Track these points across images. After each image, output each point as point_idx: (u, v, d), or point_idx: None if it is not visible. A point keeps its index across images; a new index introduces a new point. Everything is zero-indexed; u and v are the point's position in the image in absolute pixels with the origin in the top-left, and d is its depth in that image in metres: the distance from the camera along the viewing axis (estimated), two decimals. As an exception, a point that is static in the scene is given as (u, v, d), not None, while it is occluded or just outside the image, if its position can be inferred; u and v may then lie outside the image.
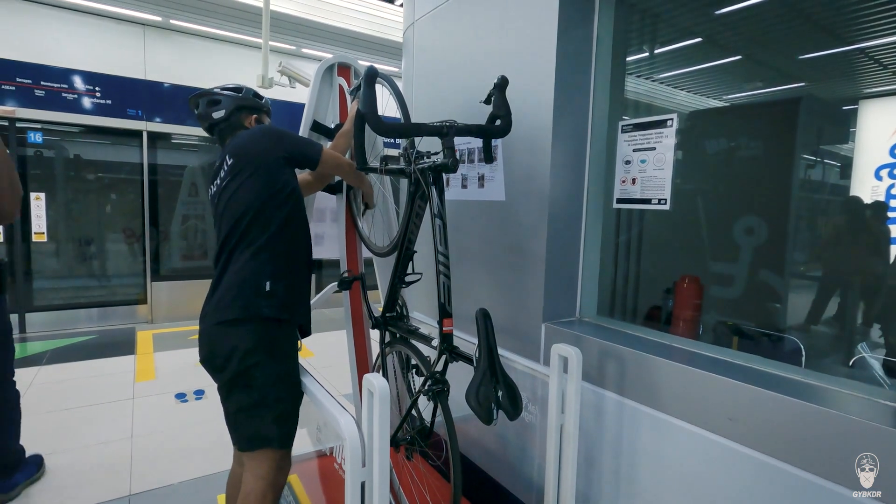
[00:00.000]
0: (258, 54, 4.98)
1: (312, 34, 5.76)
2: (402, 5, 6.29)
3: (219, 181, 1.63)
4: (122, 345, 4.82)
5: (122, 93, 5.32)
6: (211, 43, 5.83)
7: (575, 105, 1.79)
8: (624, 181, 1.76)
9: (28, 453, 2.55)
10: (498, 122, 1.48)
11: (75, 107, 5.12)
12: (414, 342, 1.63)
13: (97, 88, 5.19)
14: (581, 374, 1.41)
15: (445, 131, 1.35)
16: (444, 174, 1.43)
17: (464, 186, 2.10)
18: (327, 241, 2.24)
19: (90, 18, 5.20)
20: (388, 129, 1.29)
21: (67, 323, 5.37)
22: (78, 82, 5.12)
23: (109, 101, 5.26)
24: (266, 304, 1.51)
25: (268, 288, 1.51)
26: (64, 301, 5.43)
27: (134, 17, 5.30)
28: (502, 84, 1.46)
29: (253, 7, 5.18)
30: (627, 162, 1.74)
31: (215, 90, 1.74)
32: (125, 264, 5.72)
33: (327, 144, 1.96)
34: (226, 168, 1.60)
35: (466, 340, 1.97)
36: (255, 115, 1.76)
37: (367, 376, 1.10)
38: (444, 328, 1.38)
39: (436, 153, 1.51)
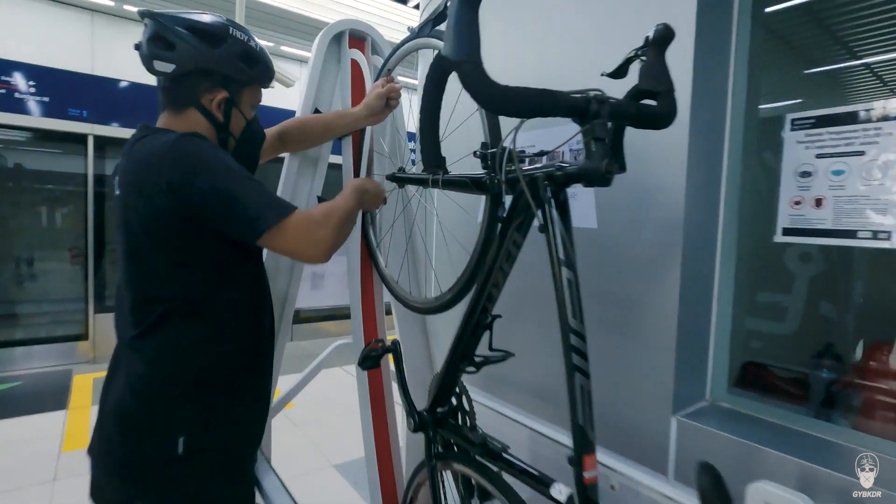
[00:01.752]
0: (230, 48, 4.29)
1: (295, 28, 5.14)
2: (416, 7, 5.75)
3: (114, 203, 1.04)
4: (51, 395, 3.93)
5: (63, 89, 4.55)
6: (174, 36, 5.11)
7: (712, 90, 1.20)
8: (798, 202, 1.16)
9: None
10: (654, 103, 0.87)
11: (3, 104, 4.27)
12: (497, 471, 0.97)
13: (31, 83, 4.37)
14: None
15: (595, 108, 0.72)
16: (576, 187, 0.80)
17: (528, 206, 1.48)
18: (329, 283, 1.56)
19: (25, 1, 4.40)
20: (505, 96, 0.66)
21: (-15, 365, 4.43)
22: (8, 74, 4.28)
23: (47, 99, 4.46)
24: (178, 475, 0.95)
25: (181, 450, 0.93)
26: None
27: (80, 2, 4.52)
28: (665, 37, 0.85)
29: (225, -6, 4.51)
30: (805, 174, 1.15)
31: (189, 19, 1.02)
32: (63, 292, 4.82)
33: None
34: (116, 192, 1.01)
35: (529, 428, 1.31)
36: (223, 94, 1.00)
37: None
38: (585, 470, 0.74)
39: (539, 154, 0.91)
